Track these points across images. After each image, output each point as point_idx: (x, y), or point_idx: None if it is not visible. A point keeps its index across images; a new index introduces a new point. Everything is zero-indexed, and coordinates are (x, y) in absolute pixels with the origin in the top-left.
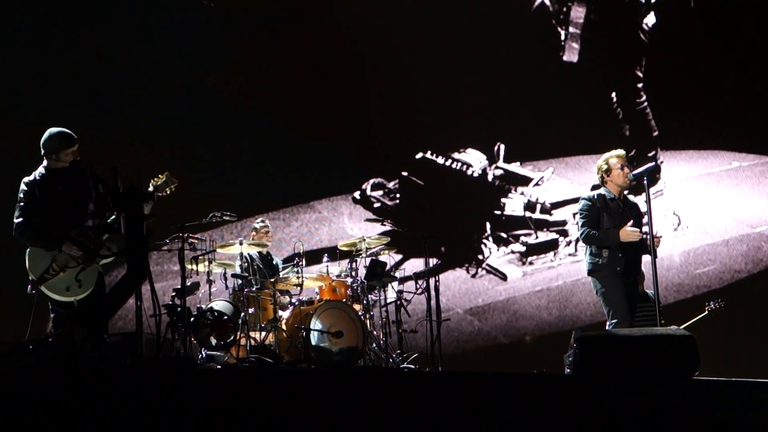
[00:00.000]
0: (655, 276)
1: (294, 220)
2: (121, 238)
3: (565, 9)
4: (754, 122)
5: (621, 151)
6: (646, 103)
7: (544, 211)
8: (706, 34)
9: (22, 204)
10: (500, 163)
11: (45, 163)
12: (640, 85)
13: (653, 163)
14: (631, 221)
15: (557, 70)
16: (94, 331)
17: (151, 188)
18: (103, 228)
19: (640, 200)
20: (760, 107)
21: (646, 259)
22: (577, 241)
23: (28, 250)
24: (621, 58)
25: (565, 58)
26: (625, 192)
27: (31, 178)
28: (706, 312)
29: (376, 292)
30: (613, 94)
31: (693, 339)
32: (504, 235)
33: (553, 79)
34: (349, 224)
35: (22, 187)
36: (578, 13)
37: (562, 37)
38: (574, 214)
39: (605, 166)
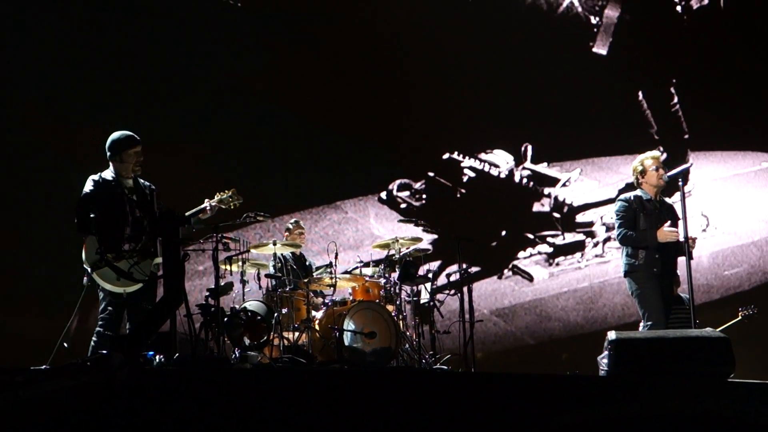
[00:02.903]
0: (689, 278)
1: (321, 220)
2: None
3: (600, 3)
4: None
5: (656, 153)
6: (678, 106)
7: (571, 211)
8: (735, 34)
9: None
10: (527, 164)
11: (111, 167)
12: (672, 89)
13: (688, 165)
14: (669, 222)
15: (586, 71)
16: (131, 356)
17: (215, 201)
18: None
19: (672, 201)
20: None
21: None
22: (604, 242)
23: (87, 239)
24: (654, 60)
25: (594, 49)
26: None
27: (98, 176)
28: (740, 317)
29: (409, 293)
30: (641, 95)
31: (727, 341)
32: (531, 236)
33: (581, 80)
34: (376, 225)
35: (89, 183)
36: (612, 11)
37: (594, 29)
38: (601, 217)
39: (640, 167)
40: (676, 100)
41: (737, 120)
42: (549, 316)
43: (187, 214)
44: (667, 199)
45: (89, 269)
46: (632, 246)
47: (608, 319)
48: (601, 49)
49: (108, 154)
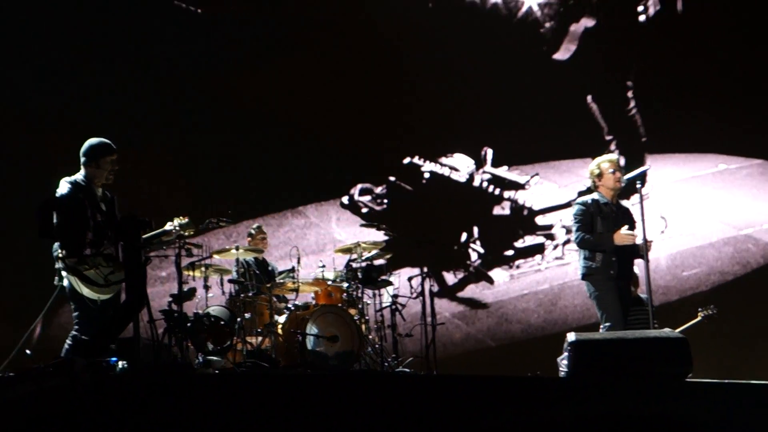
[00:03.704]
0: (648, 279)
1: (283, 225)
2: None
3: (562, 9)
4: (741, 125)
5: (613, 156)
6: (635, 110)
7: (531, 214)
8: (691, 38)
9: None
10: (487, 168)
11: (83, 171)
12: (629, 94)
13: (646, 167)
14: (626, 225)
15: (544, 75)
16: (93, 361)
17: (177, 225)
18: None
19: (628, 204)
20: (747, 110)
21: (636, 262)
22: (564, 245)
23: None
24: (611, 64)
25: (556, 56)
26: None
27: (73, 179)
28: (699, 318)
29: (370, 296)
30: (594, 99)
31: (686, 341)
32: (491, 239)
33: (540, 84)
34: (338, 229)
35: (66, 186)
36: (588, 21)
37: (551, 33)
38: (561, 220)
39: (597, 171)
40: (633, 104)
41: (694, 123)
42: (510, 318)
43: (146, 236)
44: (624, 202)
45: (67, 271)
46: (590, 249)
47: (568, 320)
48: (563, 55)
49: (83, 159)
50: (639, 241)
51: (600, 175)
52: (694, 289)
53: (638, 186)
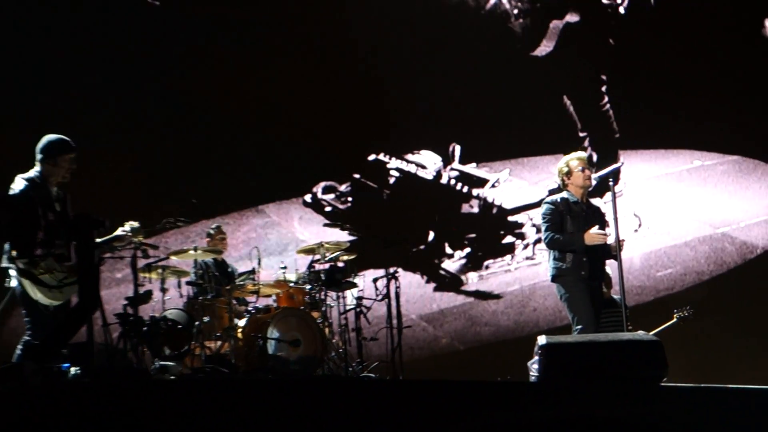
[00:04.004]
0: (621, 280)
1: (243, 224)
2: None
3: (539, 5)
4: (717, 121)
5: (581, 153)
6: (608, 105)
7: (500, 213)
8: (666, 33)
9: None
10: (455, 165)
11: (39, 168)
12: (603, 88)
13: (618, 164)
14: (597, 225)
15: (514, 70)
16: (44, 366)
17: (129, 230)
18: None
19: (599, 202)
20: (723, 105)
21: (609, 263)
22: (534, 244)
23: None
24: (584, 59)
25: (535, 52)
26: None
27: (28, 176)
28: (674, 320)
29: (333, 298)
30: (568, 95)
31: (660, 344)
32: (459, 238)
33: (510, 79)
34: (300, 228)
35: (21, 182)
36: (572, 17)
37: (521, 28)
38: (531, 219)
39: (566, 169)
40: (606, 99)
41: (668, 118)
42: (479, 320)
43: (99, 241)
44: (594, 201)
45: (19, 273)
46: (560, 249)
47: (539, 322)
48: (541, 52)
49: (39, 156)
50: (610, 240)
51: (569, 174)
52: (669, 290)
53: (611, 183)
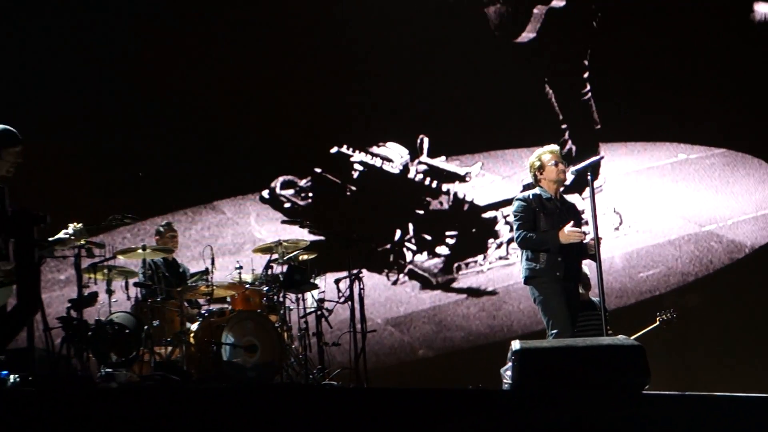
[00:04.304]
0: (600, 282)
1: (196, 221)
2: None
3: None
4: (703, 112)
5: (554, 147)
6: (590, 95)
7: (472, 210)
8: (651, 18)
9: None
10: (423, 158)
11: None
12: (585, 75)
13: (598, 157)
14: (572, 222)
15: (488, 57)
16: None
17: (71, 232)
18: None
19: (575, 198)
20: (709, 96)
21: (587, 263)
22: (508, 243)
23: None
24: (565, 47)
25: (518, 39)
26: (562, 190)
27: None
28: (657, 323)
29: (292, 300)
30: (547, 83)
31: (642, 349)
32: (428, 237)
33: (483, 66)
34: (257, 226)
35: None
36: (558, 2)
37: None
38: (505, 216)
39: (538, 163)
40: (588, 88)
41: (652, 109)
42: (449, 324)
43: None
44: (571, 197)
45: None
46: (533, 249)
47: (514, 327)
48: (523, 39)
49: None
50: (589, 238)
51: (541, 168)
52: (652, 292)
53: (590, 178)
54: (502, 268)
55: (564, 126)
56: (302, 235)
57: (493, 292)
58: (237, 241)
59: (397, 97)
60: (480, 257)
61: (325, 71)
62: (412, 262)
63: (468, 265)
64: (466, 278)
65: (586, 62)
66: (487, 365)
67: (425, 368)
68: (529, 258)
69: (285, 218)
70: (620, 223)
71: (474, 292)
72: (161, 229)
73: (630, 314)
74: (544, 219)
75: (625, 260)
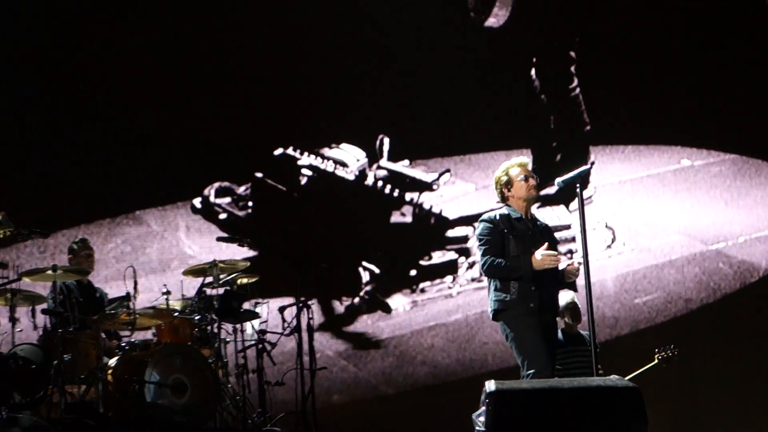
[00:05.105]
0: (590, 312)
1: (115, 234)
2: None
3: None
4: (710, 111)
5: (523, 159)
6: (578, 90)
7: (440, 223)
8: (649, 2)
9: None
10: (383, 162)
11: None
12: (572, 68)
13: (587, 167)
14: (545, 244)
15: (460, 45)
16: None
17: None
18: None
19: (561, 211)
20: (717, 92)
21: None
22: None
23: None
24: (550, 33)
25: (487, 23)
26: (534, 209)
27: None
28: (655, 361)
29: (229, 332)
30: (533, 73)
31: (638, 391)
32: (388, 254)
33: (454, 56)
34: (187, 241)
35: None
36: None
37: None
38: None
39: (505, 178)
40: (576, 83)
41: (650, 107)
42: (412, 358)
43: None
44: (552, 210)
45: None
46: (502, 278)
47: (488, 361)
48: (496, 21)
49: None
50: (571, 261)
51: (508, 184)
52: (650, 321)
53: (578, 190)
54: (475, 291)
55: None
56: (240, 252)
57: (464, 320)
58: (164, 257)
59: (354, 91)
60: (448, 279)
61: (268, 61)
62: (368, 283)
63: (435, 287)
64: (432, 303)
65: (573, 54)
66: (456, 406)
67: (384, 409)
68: (498, 288)
69: (221, 232)
70: (613, 240)
71: (441, 320)
72: (75, 246)
73: (623, 347)
74: (513, 242)
75: (618, 284)
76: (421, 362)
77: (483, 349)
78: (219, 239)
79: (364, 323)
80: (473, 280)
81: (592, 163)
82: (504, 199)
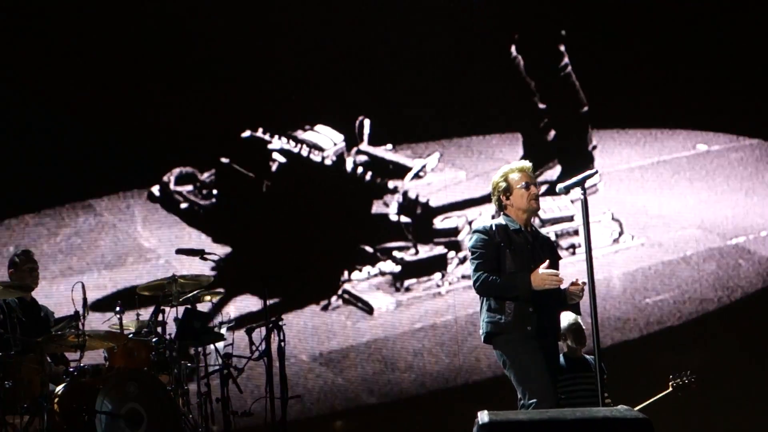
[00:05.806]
0: (595, 333)
1: (62, 226)
2: None
3: None
4: (729, 89)
5: (525, 163)
6: (569, 68)
7: (427, 213)
8: None
9: None
10: (364, 146)
11: None
12: (562, 48)
13: (591, 171)
14: (547, 262)
15: (446, 18)
16: None
17: None
18: None
19: (561, 200)
20: (737, 68)
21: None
22: None
23: None
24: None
25: None
26: (535, 221)
27: None
28: (670, 389)
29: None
30: (515, 52)
31: (649, 423)
32: (369, 248)
33: (441, 30)
34: (144, 233)
35: None
36: None
37: None
38: (470, 222)
39: (503, 185)
40: (566, 60)
41: (660, 86)
42: (396, 363)
43: None
44: (551, 200)
45: None
46: (496, 296)
47: (481, 366)
48: None
49: None
50: (579, 282)
51: (507, 191)
52: (661, 323)
53: (582, 197)
54: (466, 290)
55: (542, 106)
56: (200, 267)
57: (454, 322)
58: (118, 251)
59: (330, 67)
60: (437, 276)
61: (234, 35)
62: (347, 281)
63: (422, 285)
64: (418, 303)
65: (563, 31)
66: (445, 416)
67: (365, 420)
68: (492, 308)
69: (181, 222)
70: (620, 234)
71: (429, 321)
72: (17, 259)
73: (632, 351)
74: (510, 257)
75: (626, 281)
76: (405, 368)
77: (475, 353)
78: (179, 251)
79: (343, 324)
80: (464, 277)
81: (596, 172)
82: (501, 208)
